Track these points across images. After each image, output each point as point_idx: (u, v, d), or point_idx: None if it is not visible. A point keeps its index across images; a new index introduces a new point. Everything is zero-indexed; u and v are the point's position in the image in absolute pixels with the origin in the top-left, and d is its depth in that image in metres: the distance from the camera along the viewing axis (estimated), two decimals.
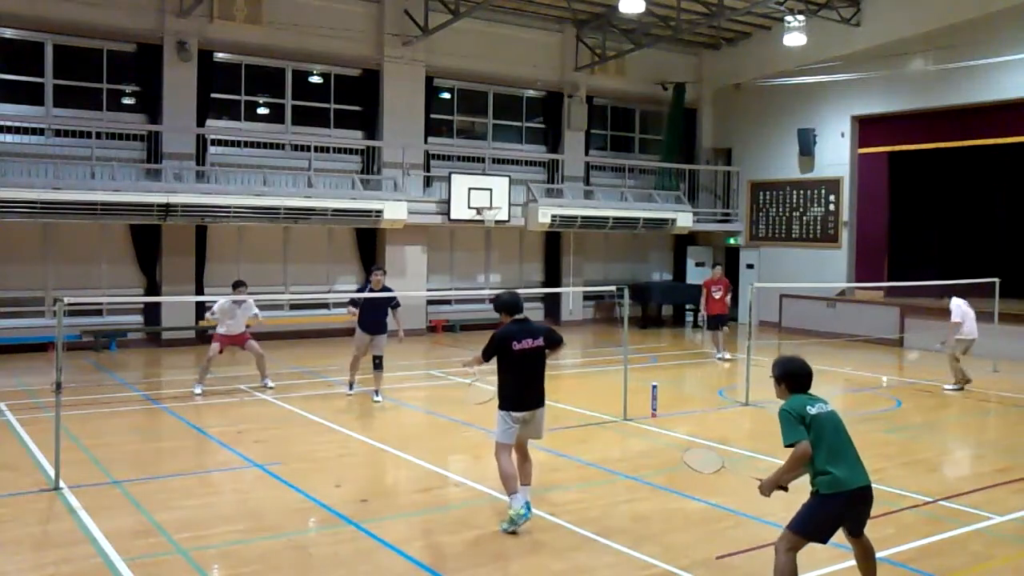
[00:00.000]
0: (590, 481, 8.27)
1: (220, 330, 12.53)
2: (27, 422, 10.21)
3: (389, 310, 12.01)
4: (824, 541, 5.08)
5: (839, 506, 4.96)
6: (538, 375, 6.95)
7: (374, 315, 11.85)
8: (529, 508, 6.76)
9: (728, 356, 16.37)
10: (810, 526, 4.99)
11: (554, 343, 7.04)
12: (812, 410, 5.01)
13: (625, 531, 6.73)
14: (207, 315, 14.34)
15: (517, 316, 6.99)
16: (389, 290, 12.28)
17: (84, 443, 9.21)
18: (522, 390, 6.84)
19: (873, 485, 5.03)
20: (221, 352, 12.58)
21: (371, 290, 11.81)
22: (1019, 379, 14.50)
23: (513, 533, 6.59)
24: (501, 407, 6.84)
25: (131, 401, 11.96)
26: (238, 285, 12.69)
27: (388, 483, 8.46)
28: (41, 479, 7.93)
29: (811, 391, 5.19)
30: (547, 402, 7.08)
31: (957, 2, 18.54)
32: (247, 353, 12.77)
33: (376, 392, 12.02)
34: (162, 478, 8.24)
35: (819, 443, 4.93)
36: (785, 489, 5.09)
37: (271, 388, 12.59)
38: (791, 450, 4.95)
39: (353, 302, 12.15)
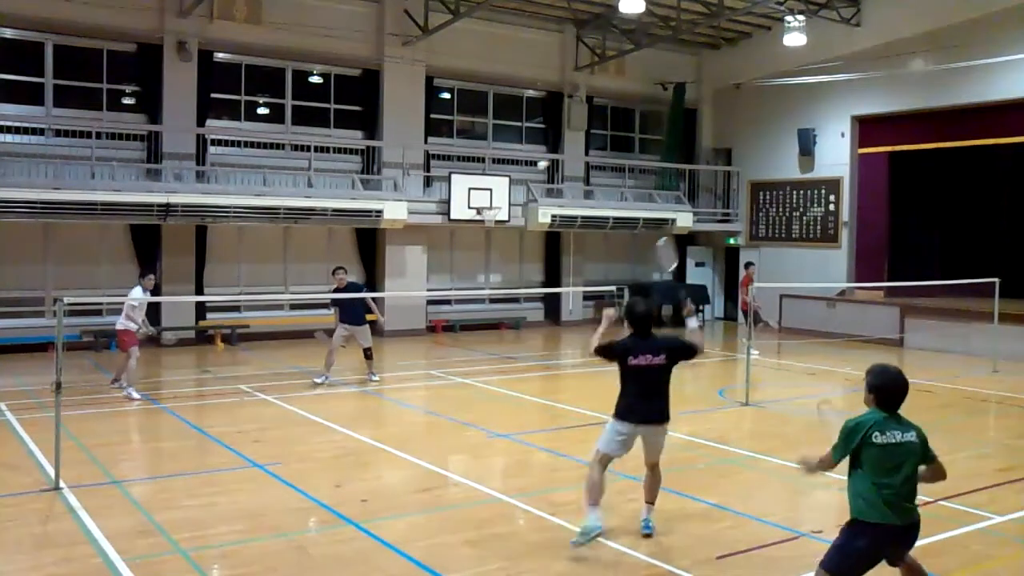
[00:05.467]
0: None
1: (134, 327, 11.96)
2: (27, 422, 10.20)
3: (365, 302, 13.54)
4: None
5: (872, 538, 4.46)
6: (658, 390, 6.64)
7: (352, 310, 13.07)
8: (648, 526, 6.58)
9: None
10: (843, 560, 4.48)
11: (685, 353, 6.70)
12: (879, 439, 4.41)
13: (625, 531, 6.71)
14: (131, 312, 12.09)
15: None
16: (357, 285, 14.82)
17: (84, 443, 9.20)
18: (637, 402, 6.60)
19: None
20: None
21: (336, 290, 13.13)
22: (1019, 379, 14.50)
23: (583, 545, 6.23)
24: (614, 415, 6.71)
25: (131, 401, 11.95)
26: (148, 274, 12.56)
27: (388, 483, 8.44)
28: (41, 479, 7.92)
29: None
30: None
31: (957, 2, 18.52)
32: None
33: (372, 374, 13.28)
34: (162, 478, 8.24)
35: (864, 468, 4.45)
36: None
37: (135, 399, 11.77)
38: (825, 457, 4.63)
39: (335, 303, 13.24)
